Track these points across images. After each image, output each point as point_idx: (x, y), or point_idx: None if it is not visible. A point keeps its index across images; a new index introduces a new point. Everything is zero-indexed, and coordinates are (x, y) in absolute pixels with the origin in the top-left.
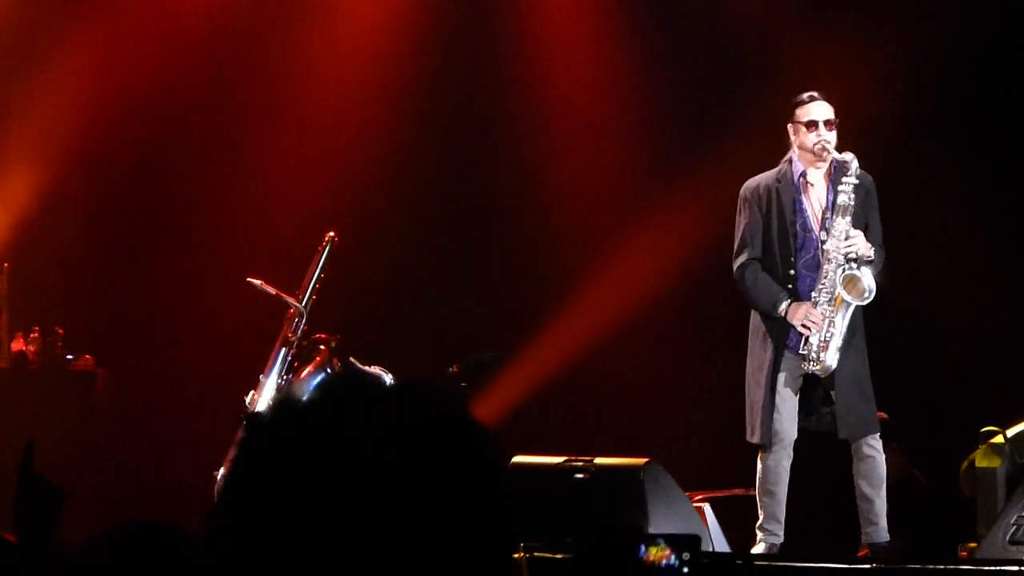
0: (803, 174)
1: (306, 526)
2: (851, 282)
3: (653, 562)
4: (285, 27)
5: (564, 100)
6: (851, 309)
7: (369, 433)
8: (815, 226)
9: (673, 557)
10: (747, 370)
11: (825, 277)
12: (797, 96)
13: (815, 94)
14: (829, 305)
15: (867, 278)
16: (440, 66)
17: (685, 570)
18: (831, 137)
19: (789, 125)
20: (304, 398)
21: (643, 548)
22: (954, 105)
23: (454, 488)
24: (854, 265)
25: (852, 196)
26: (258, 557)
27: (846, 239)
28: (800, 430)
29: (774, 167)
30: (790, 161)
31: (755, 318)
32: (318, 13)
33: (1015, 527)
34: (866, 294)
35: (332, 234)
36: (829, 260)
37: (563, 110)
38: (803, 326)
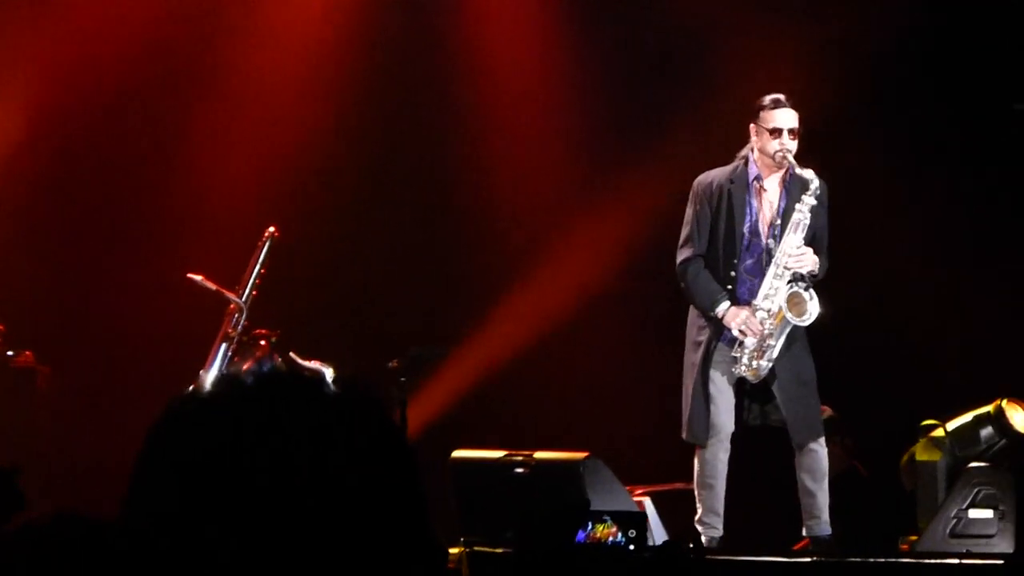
0: (758, 177)
1: (220, 512)
2: (795, 301)
3: (599, 539)
4: (227, 23)
5: (508, 93)
6: (789, 327)
7: (288, 428)
8: (763, 231)
9: (620, 534)
10: (684, 364)
11: (772, 289)
12: (763, 98)
13: (781, 99)
14: (770, 316)
15: (812, 303)
16: (381, 63)
17: (631, 547)
18: (793, 146)
19: (752, 125)
20: (224, 389)
21: (590, 525)
22: (895, 100)
23: (371, 487)
24: (802, 285)
25: (807, 215)
26: (175, 541)
27: (796, 255)
28: (739, 423)
29: (719, 161)
30: (746, 161)
31: (693, 312)
32: (261, 9)
33: (955, 520)
34: (806, 316)
35: (272, 229)
36: (778, 275)
37: (507, 105)
38: (740, 331)
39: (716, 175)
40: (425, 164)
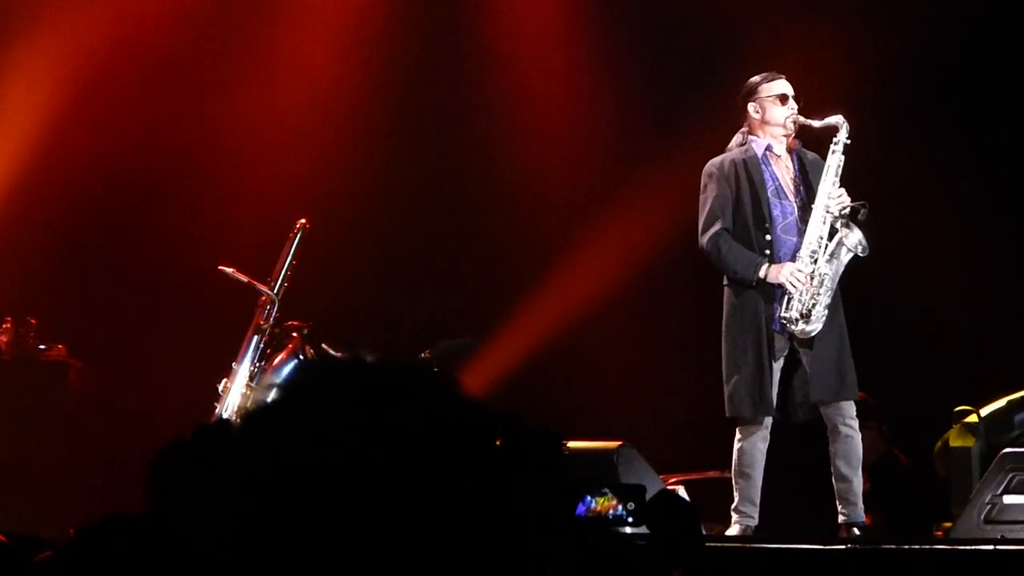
0: (768, 147)
1: (289, 513)
2: (846, 234)
3: (600, 512)
4: (256, 20)
5: (534, 88)
6: (840, 269)
7: (354, 416)
8: (789, 193)
9: (620, 507)
10: (725, 349)
11: (815, 234)
12: (756, 76)
13: (773, 72)
14: (825, 260)
15: (856, 232)
16: (410, 59)
17: (631, 519)
18: (796, 112)
19: (751, 104)
20: (283, 385)
21: (590, 499)
22: (926, 86)
23: (438, 470)
24: (843, 222)
25: (841, 156)
26: (245, 547)
27: (836, 196)
28: (784, 418)
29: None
30: (748, 139)
31: (731, 297)
32: (289, 8)
33: (990, 506)
34: (860, 247)
35: (303, 221)
36: (821, 220)
37: (533, 98)
38: (790, 283)
39: (725, 156)
40: (454, 156)
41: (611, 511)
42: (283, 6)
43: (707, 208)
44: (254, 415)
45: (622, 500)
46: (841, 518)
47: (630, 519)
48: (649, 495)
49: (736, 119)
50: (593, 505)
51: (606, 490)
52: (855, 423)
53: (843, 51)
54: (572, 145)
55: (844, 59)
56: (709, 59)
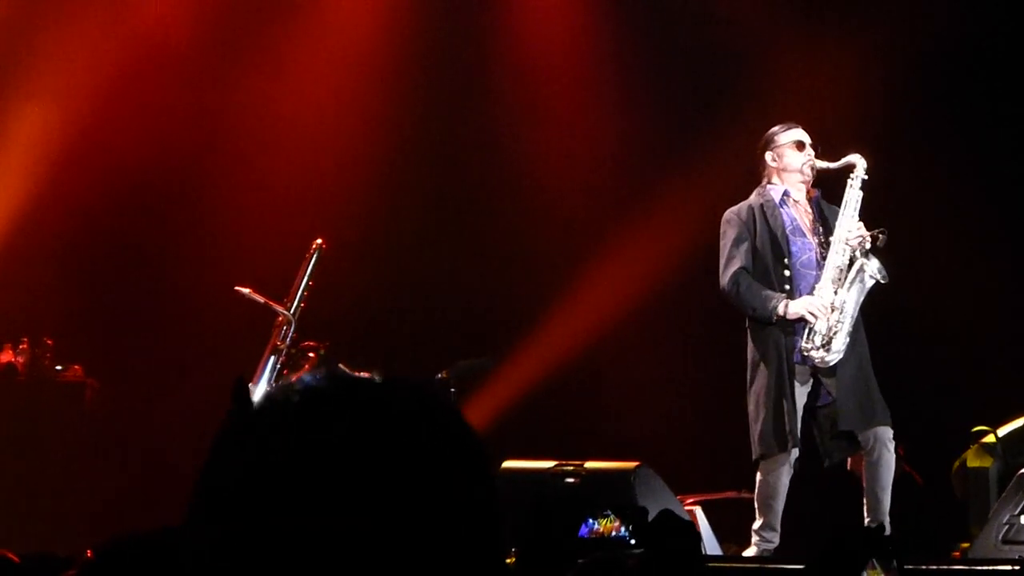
0: (786, 192)
1: (286, 524)
2: (865, 262)
3: (603, 533)
4: (269, 33)
5: (551, 106)
6: (861, 297)
7: (352, 429)
8: (807, 232)
9: (622, 528)
10: (752, 389)
11: (834, 265)
12: (773, 128)
13: (791, 122)
14: (843, 289)
15: (874, 260)
16: (424, 76)
17: (633, 541)
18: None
19: (768, 153)
20: (288, 396)
21: (592, 521)
22: (944, 104)
23: (440, 486)
24: (863, 252)
25: (859, 192)
26: (240, 557)
27: (856, 230)
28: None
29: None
30: (766, 188)
31: (753, 336)
32: (302, 19)
33: (1007, 526)
34: (880, 274)
35: (319, 241)
36: (838, 250)
37: (550, 116)
38: (811, 313)
39: (743, 203)
40: (470, 177)
41: (613, 532)
42: (295, 21)
43: (726, 250)
44: (252, 418)
45: (624, 521)
46: None
47: (632, 540)
48: None
49: (754, 157)
50: (596, 527)
51: (608, 512)
52: (891, 445)
53: (852, 64)
54: (591, 164)
55: (851, 70)
56: (725, 73)
